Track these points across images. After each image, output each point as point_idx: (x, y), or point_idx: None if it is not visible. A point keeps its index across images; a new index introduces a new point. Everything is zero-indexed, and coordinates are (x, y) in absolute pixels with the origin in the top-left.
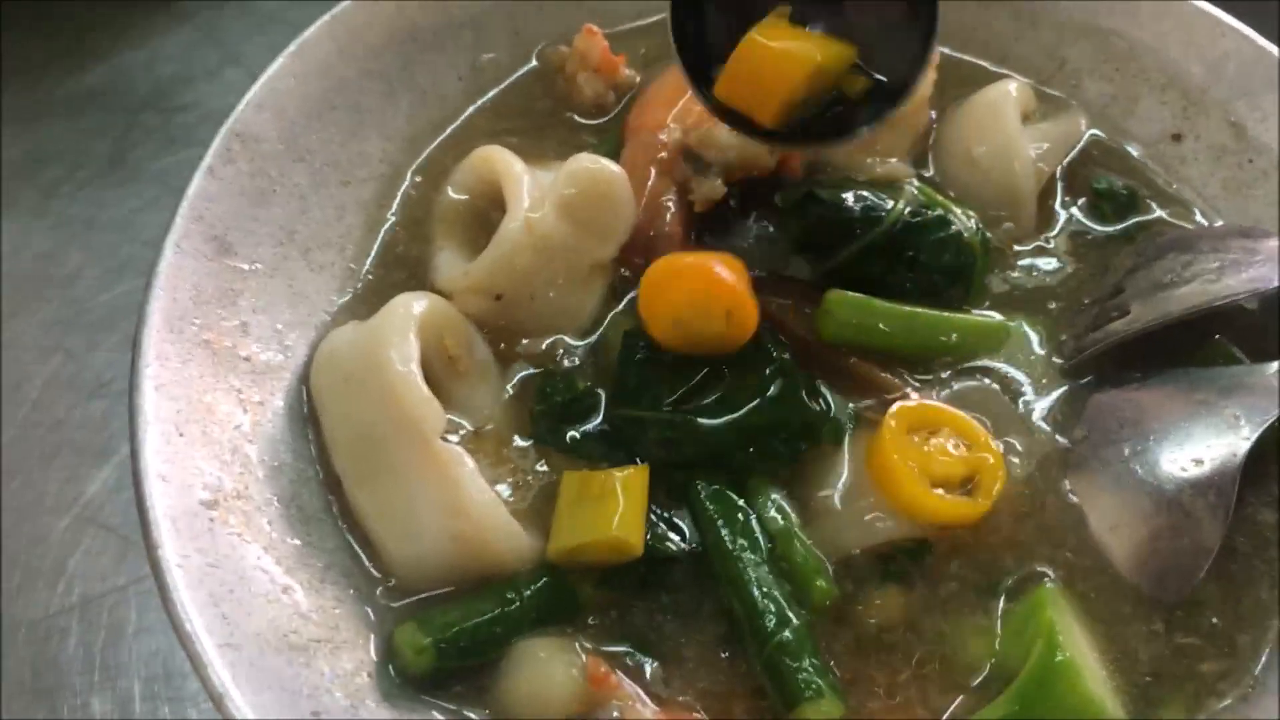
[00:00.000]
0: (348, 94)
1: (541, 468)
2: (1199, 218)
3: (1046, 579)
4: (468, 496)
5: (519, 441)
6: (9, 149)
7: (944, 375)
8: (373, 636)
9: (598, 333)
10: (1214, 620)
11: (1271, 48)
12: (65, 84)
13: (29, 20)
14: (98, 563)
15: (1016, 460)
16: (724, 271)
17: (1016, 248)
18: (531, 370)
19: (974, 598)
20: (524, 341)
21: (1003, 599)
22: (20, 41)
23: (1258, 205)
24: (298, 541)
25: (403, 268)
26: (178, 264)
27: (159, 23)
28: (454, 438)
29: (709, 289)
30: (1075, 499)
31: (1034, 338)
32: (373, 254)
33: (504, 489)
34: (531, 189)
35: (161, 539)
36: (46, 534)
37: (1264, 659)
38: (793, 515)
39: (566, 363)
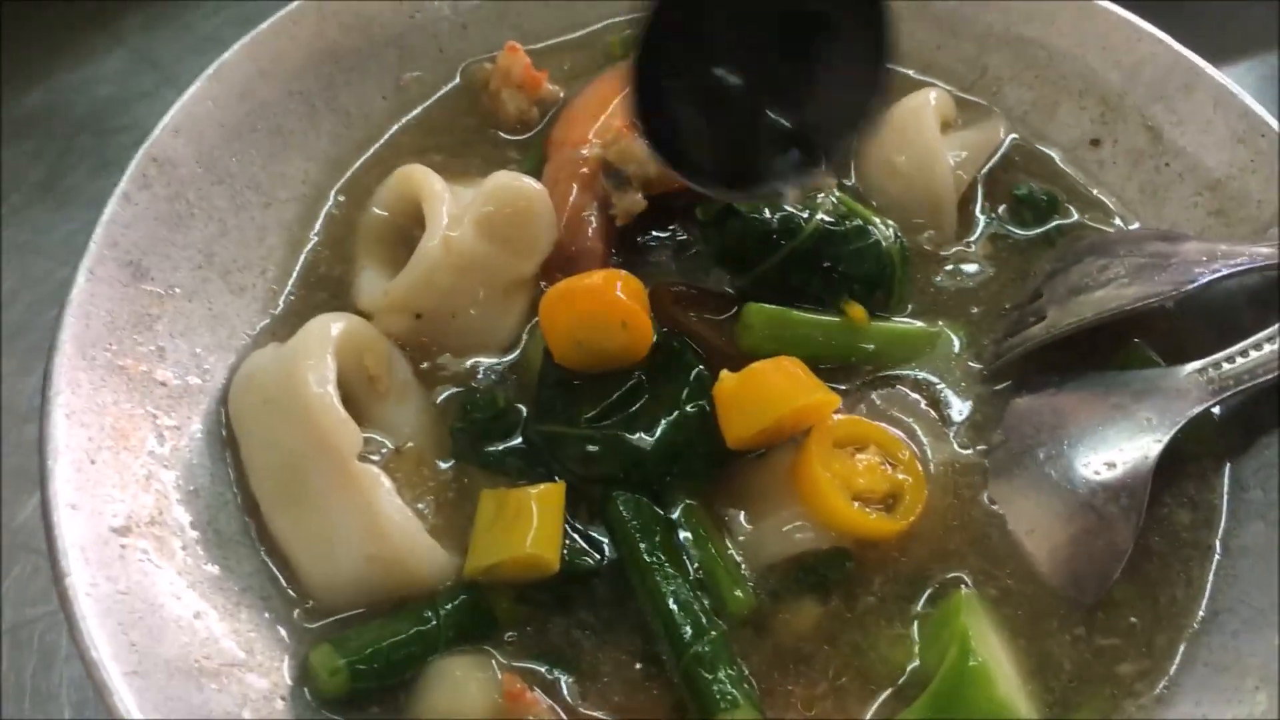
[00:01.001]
0: (269, 116)
1: (463, 485)
2: (1118, 221)
3: (963, 585)
4: (385, 517)
5: (439, 461)
6: None
7: (865, 383)
8: (288, 659)
9: (518, 350)
10: (1132, 620)
11: (1186, 53)
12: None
13: None
14: (28, 588)
15: (936, 467)
16: (610, 285)
17: (940, 254)
18: (453, 389)
19: (892, 606)
20: (445, 359)
21: (920, 606)
22: None
23: (1174, 208)
24: (214, 567)
25: (325, 288)
26: (91, 290)
27: (95, 45)
28: (375, 457)
29: (600, 306)
30: (994, 504)
31: (955, 344)
32: (294, 275)
33: (424, 508)
34: (451, 207)
35: (69, 567)
36: None
37: (1179, 658)
38: (712, 526)
39: (488, 380)
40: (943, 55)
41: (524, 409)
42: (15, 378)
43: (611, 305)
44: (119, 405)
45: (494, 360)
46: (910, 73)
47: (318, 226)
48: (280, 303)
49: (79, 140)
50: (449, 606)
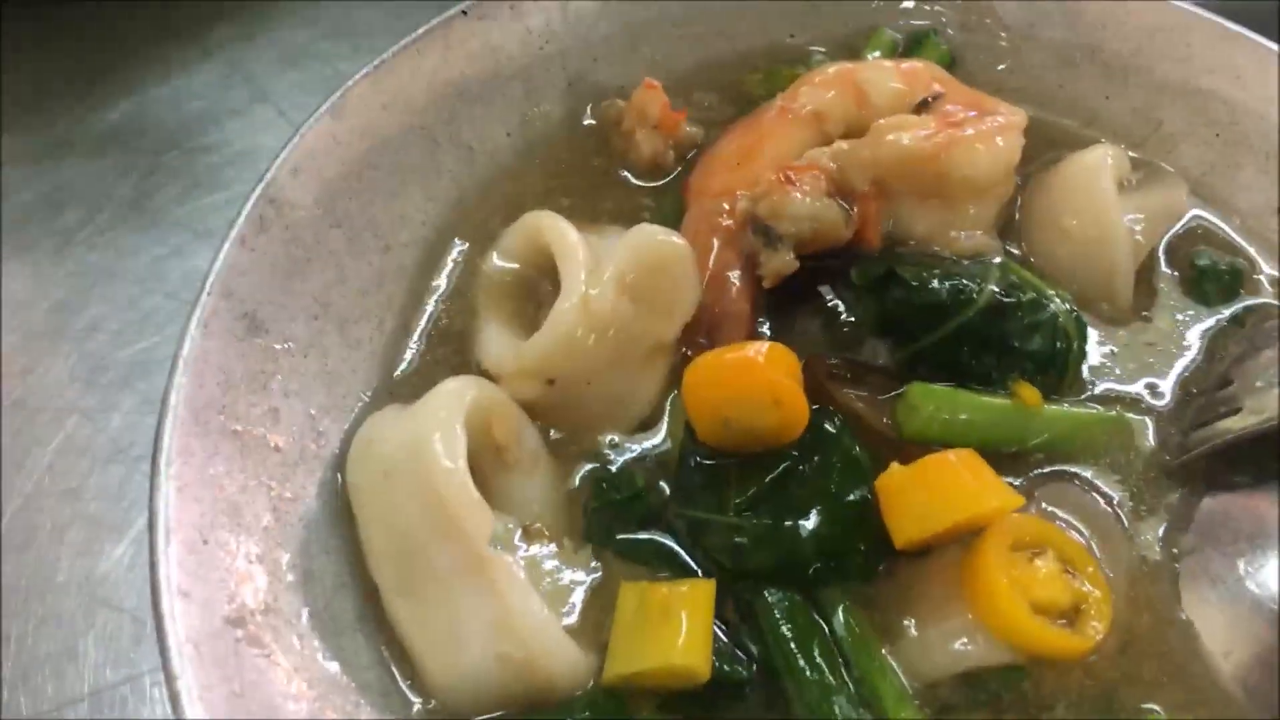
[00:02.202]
0: (389, 152)
1: (596, 573)
2: None
3: (1156, 713)
4: (519, 612)
5: (571, 544)
6: (25, 190)
7: (1035, 476)
8: None
9: (661, 424)
10: None
11: None
12: (86, 121)
13: (48, 52)
14: (110, 648)
15: (1119, 575)
16: (762, 360)
17: (1116, 330)
18: (586, 463)
19: None
20: (578, 430)
21: None
22: (39, 75)
23: None
24: (332, 661)
25: (446, 343)
26: (205, 347)
27: (185, 57)
28: (505, 533)
29: (751, 383)
30: (1186, 617)
31: (1136, 434)
32: (414, 328)
33: (553, 596)
34: (587, 260)
35: (183, 668)
36: (55, 615)
37: None
38: (873, 634)
39: (624, 454)
40: (1111, 107)
41: (666, 488)
42: (98, 414)
43: (764, 382)
44: (232, 476)
45: (631, 433)
46: (1072, 124)
47: (439, 276)
48: (399, 359)
49: (167, 157)
50: (586, 715)
